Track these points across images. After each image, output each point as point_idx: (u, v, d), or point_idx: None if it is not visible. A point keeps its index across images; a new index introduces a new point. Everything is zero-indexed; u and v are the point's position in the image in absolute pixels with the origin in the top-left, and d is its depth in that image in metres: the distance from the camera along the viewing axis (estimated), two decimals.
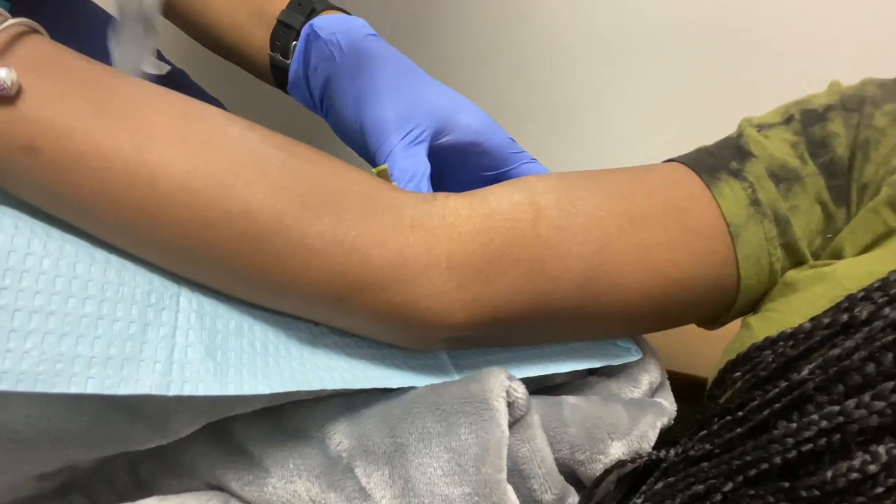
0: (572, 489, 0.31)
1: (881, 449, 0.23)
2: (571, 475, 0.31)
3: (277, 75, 0.46)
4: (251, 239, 0.27)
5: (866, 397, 0.24)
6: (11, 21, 0.25)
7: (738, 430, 0.27)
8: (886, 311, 0.25)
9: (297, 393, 0.30)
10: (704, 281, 0.33)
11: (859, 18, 0.57)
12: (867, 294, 0.27)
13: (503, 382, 0.29)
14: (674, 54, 0.64)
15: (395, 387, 0.31)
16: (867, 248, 0.31)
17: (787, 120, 0.35)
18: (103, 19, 0.50)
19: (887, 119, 0.32)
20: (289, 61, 0.44)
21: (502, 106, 0.73)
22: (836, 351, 0.26)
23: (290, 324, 0.30)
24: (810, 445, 0.25)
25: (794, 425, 0.25)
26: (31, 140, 0.25)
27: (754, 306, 0.35)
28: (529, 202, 0.31)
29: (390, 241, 0.28)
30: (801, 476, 0.25)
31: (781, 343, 0.28)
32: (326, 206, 0.28)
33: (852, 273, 0.30)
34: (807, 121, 0.34)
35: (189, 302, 0.28)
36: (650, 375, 0.36)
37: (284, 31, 0.44)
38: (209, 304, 0.29)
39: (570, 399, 0.32)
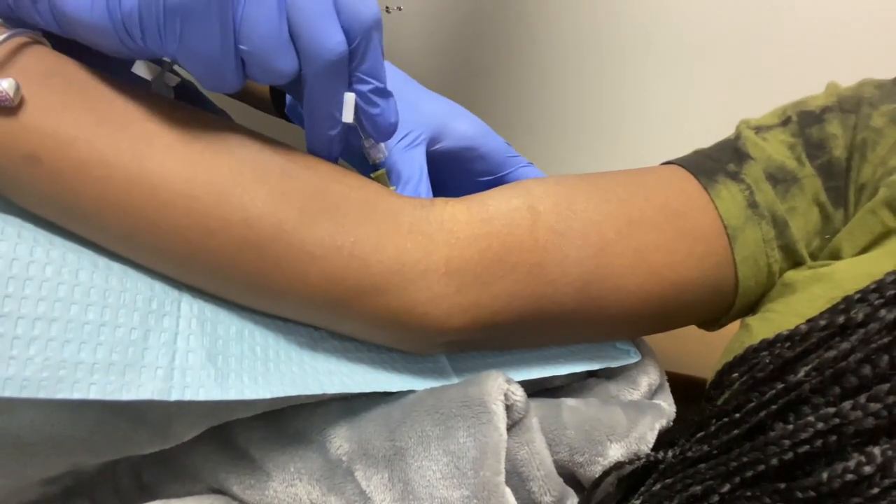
0: (571, 491, 0.31)
1: (876, 450, 0.23)
2: (570, 477, 0.31)
3: (276, 98, 0.46)
4: (251, 245, 0.27)
5: (862, 399, 0.24)
6: (14, 32, 0.26)
7: (735, 431, 0.27)
8: (882, 312, 0.25)
9: (298, 397, 0.30)
10: (703, 283, 0.33)
11: (859, 19, 0.56)
12: (863, 296, 0.27)
13: (501, 386, 0.29)
14: (673, 56, 0.64)
15: (394, 390, 0.31)
16: (865, 249, 0.31)
17: (785, 122, 0.35)
18: None
19: (885, 120, 0.32)
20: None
21: (500, 110, 0.73)
22: (833, 353, 0.26)
23: (290, 328, 0.31)
24: (806, 447, 0.25)
25: (791, 427, 0.25)
26: (33, 150, 0.25)
27: (753, 307, 0.35)
28: (527, 207, 0.31)
29: (389, 246, 0.29)
30: (798, 477, 0.25)
31: (778, 345, 0.28)
32: (325, 212, 0.28)
33: (850, 274, 0.30)
34: (804, 122, 0.34)
35: (190, 307, 0.28)
36: (649, 377, 0.36)
37: None
38: (210, 310, 0.29)
39: (569, 401, 0.32)
